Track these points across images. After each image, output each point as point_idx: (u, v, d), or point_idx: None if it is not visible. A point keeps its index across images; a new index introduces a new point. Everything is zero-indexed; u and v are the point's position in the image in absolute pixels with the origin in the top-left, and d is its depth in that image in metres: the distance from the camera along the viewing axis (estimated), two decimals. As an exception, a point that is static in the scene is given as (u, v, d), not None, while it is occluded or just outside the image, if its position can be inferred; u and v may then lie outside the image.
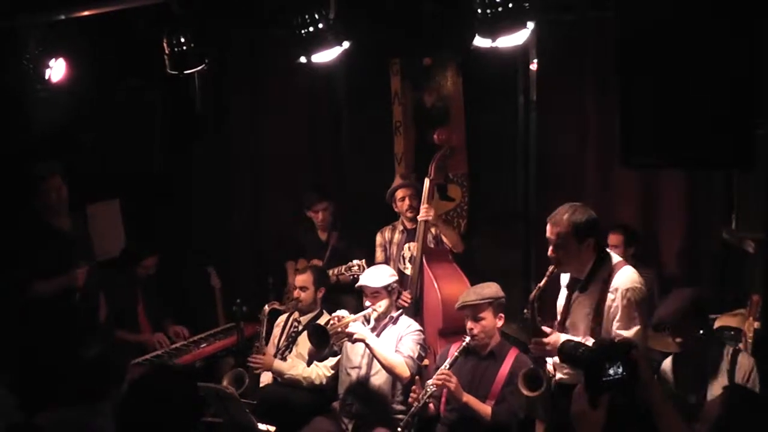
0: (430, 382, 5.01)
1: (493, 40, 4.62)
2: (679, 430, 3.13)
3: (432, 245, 6.47)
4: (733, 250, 5.80)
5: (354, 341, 5.34)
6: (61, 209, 5.92)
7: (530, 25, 4.64)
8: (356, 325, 5.30)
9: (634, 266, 6.24)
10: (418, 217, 6.34)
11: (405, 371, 5.27)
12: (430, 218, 6.29)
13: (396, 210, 6.63)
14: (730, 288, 6.07)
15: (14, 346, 5.51)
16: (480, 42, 4.71)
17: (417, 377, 5.20)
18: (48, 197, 5.79)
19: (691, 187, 6.35)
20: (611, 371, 2.88)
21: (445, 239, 6.45)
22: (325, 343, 5.30)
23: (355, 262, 6.32)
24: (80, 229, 6.10)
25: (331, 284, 6.45)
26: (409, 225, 6.57)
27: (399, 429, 5.05)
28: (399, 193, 6.59)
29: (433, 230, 6.44)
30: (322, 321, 5.92)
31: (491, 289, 5.19)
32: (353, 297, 6.32)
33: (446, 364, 5.05)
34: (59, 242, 5.82)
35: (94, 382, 4.03)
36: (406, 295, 6.26)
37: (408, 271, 6.47)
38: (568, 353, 3.19)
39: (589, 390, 2.93)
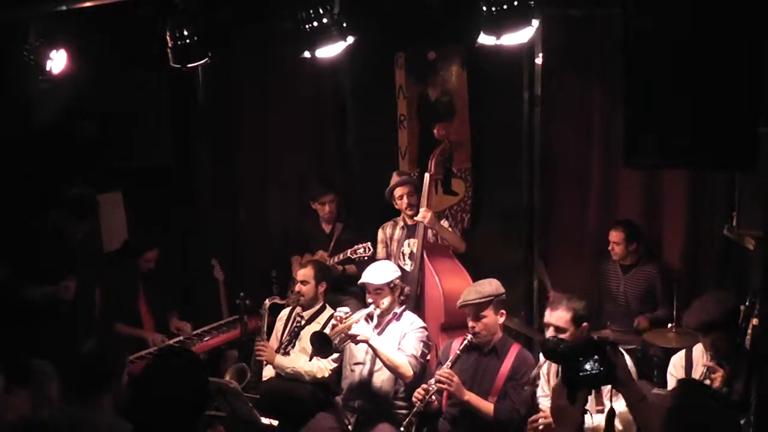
0: (432, 381, 5.00)
1: (498, 38, 4.60)
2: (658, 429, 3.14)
3: (432, 241, 6.46)
4: (734, 247, 5.79)
5: (357, 342, 5.34)
6: None
7: (535, 22, 4.63)
8: (359, 326, 5.29)
9: (637, 261, 6.34)
10: (416, 218, 6.33)
11: (408, 371, 5.26)
12: (426, 221, 6.24)
13: (397, 207, 6.62)
14: (730, 284, 6.06)
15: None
16: (485, 40, 4.69)
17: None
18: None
19: (694, 183, 6.33)
20: (587, 366, 2.93)
21: (445, 241, 6.45)
22: (327, 350, 5.31)
23: (360, 245, 6.34)
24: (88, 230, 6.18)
25: (335, 277, 6.48)
26: (410, 221, 6.54)
27: (402, 429, 5.06)
28: (397, 192, 6.56)
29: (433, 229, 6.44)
30: (324, 316, 5.94)
31: (492, 286, 5.17)
32: (355, 298, 6.36)
33: (448, 363, 5.05)
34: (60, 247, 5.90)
35: (93, 377, 4.04)
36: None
37: (408, 267, 6.45)
38: (550, 348, 3.24)
39: (567, 385, 2.97)
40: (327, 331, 5.38)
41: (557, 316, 4.72)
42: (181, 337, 6.65)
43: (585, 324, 4.73)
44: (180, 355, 3.90)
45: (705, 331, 4.60)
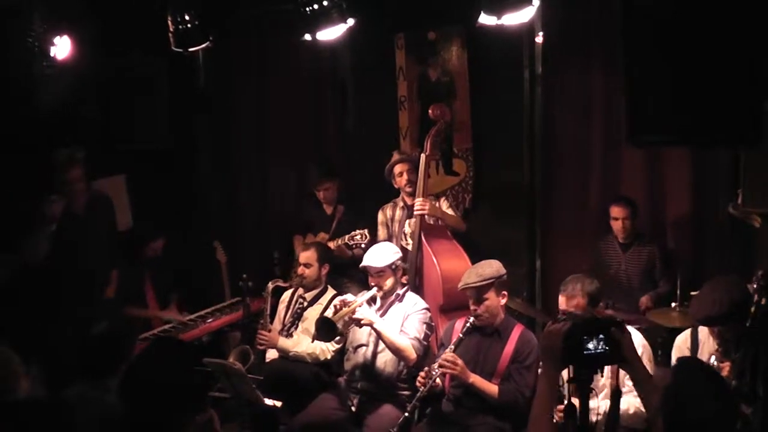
0: (435, 365, 4.98)
1: (499, 18, 4.60)
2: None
3: (431, 222, 6.44)
4: (739, 225, 5.78)
5: (361, 326, 5.32)
6: (78, 195, 6.11)
7: (536, 2, 4.62)
8: (363, 310, 5.26)
9: (635, 238, 6.32)
10: (414, 211, 6.28)
11: (411, 354, 5.26)
12: (427, 212, 6.23)
13: (396, 186, 6.60)
14: (735, 262, 6.05)
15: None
16: (485, 19, 4.68)
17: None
18: (64, 186, 6.03)
19: (698, 161, 6.31)
20: (590, 346, 2.90)
21: (446, 223, 6.45)
22: (332, 334, 5.32)
23: (357, 231, 6.32)
24: (98, 209, 6.22)
25: (335, 258, 6.48)
26: (409, 201, 6.49)
27: (407, 413, 5.03)
28: (396, 169, 6.55)
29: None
30: (326, 297, 5.95)
31: (492, 268, 5.12)
32: (354, 281, 6.37)
33: (451, 346, 5.02)
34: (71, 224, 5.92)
35: (104, 358, 4.06)
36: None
37: (410, 247, 6.44)
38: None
39: (569, 363, 2.96)
40: (329, 314, 5.37)
41: (574, 305, 4.76)
42: (184, 319, 6.66)
43: (601, 303, 4.82)
44: (169, 344, 3.88)
45: (712, 325, 4.56)
